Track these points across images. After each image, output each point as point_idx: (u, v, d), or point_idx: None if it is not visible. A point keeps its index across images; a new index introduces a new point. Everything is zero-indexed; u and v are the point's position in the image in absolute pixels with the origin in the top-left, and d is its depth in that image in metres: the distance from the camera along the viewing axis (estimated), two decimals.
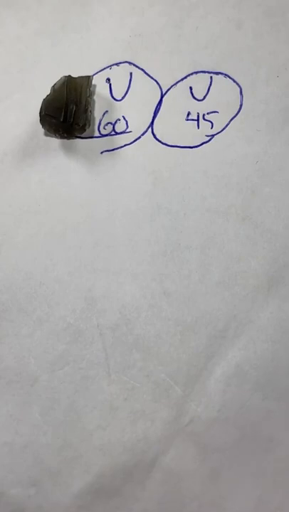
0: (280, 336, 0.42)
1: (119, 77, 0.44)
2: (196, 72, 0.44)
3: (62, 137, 0.44)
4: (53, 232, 0.43)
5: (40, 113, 0.42)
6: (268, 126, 0.43)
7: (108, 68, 0.44)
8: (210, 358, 0.42)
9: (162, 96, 0.44)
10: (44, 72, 0.44)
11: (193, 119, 0.44)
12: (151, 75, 0.44)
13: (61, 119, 0.42)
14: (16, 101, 0.44)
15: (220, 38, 0.44)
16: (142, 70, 0.44)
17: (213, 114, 0.44)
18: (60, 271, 0.43)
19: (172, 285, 0.43)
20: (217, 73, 0.44)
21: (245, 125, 0.44)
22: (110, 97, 0.44)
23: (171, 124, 0.44)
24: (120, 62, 0.44)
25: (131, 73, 0.44)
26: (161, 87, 0.44)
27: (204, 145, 0.44)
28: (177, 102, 0.44)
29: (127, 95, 0.44)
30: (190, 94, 0.44)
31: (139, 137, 0.44)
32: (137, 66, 0.44)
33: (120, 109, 0.44)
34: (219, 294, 0.43)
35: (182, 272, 0.43)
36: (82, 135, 0.44)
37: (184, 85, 0.44)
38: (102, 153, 0.44)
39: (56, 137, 0.44)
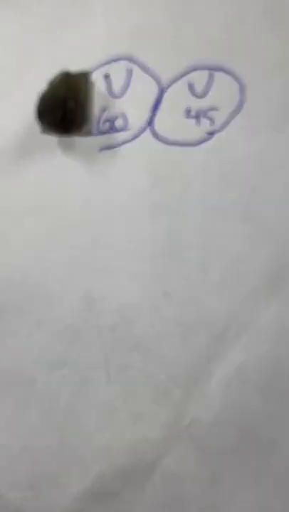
0: (281, 337, 0.42)
1: (118, 73, 0.44)
2: (196, 69, 0.44)
3: (60, 135, 0.43)
4: (52, 231, 0.43)
5: (38, 110, 0.42)
6: (268, 124, 0.43)
7: (107, 65, 0.44)
8: (210, 359, 0.42)
9: (162, 93, 0.44)
10: (43, 70, 0.43)
11: (193, 117, 0.44)
12: (150, 72, 0.44)
13: (59, 117, 0.42)
14: (15, 99, 0.44)
15: (220, 36, 0.43)
16: (142, 66, 0.44)
17: (213, 111, 0.43)
18: (60, 271, 0.43)
19: (172, 285, 0.43)
20: (217, 70, 0.44)
21: (245, 123, 0.43)
22: (109, 94, 0.44)
23: (171, 122, 0.44)
24: (119, 59, 0.44)
25: (130, 70, 0.44)
26: (161, 83, 0.44)
27: (204, 143, 0.43)
28: (177, 99, 0.44)
29: (126, 92, 0.44)
30: (190, 91, 0.44)
31: (139, 135, 0.44)
32: (136, 63, 0.44)
33: (119, 106, 0.44)
34: (219, 294, 0.43)
35: (182, 272, 0.43)
36: (81, 133, 0.43)
37: (183, 82, 0.44)
38: (100, 150, 0.44)
39: (54, 135, 0.43)
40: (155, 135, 0.44)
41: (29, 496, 0.43)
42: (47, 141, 0.44)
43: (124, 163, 0.44)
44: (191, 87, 0.44)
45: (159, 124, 0.44)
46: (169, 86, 0.44)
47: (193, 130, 0.43)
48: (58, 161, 0.44)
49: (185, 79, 0.44)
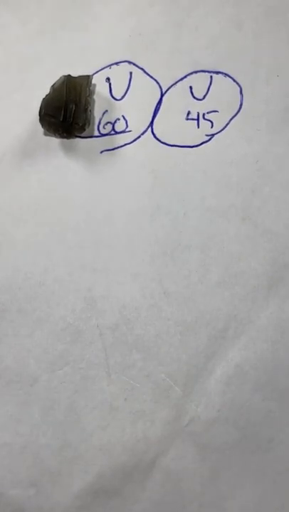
0: (280, 336, 0.42)
1: (118, 76, 0.44)
2: (196, 72, 0.44)
3: (61, 137, 0.44)
4: (52, 232, 0.43)
5: (39, 112, 0.42)
6: (267, 125, 0.43)
7: (108, 67, 0.44)
8: (210, 358, 0.42)
9: (162, 95, 0.44)
10: (44, 72, 0.44)
11: (193, 119, 0.44)
12: (151, 75, 0.44)
13: (61, 119, 0.42)
14: (16, 100, 0.44)
15: (220, 38, 0.44)
16: (142, 69, 0.44)
17: (213, 113, 0.44)
18: (60, 271, 0.43)
19: (172, 285, 0.43)
20: (217, 73, 0.44)
21: (245, 125, 0.44)
22: (110, 97, 0.44)
23: (171, 124, 0.44)
24: (120, 62, 0.44)
25: (131, 72, 0.44)
26: (161, 86, 0.44)
27: (204, 144, 0.44)
28: (177, 101, 0.44)
29: (127, 95, 0.44)
30: (190, 94, 0.44)
31: (139, 137, 0.44)
32: (136, 65, 0.44)
33: (120, 109, 0.44)
34: (219, 294, 0.43)
35: (182, 272, 0.43)
36: (82, 134, 0.44)
37: (183, 85, 0.44)
38: (101, 152, 0.44)
39: (56, 137, 0.44)
40: (155, 137, 0.44)
41: (30, 494, 0.42)
42: (49, 143, 0.44)
43: (125, 164, 0.44)
44: (191, 89, 0.44)
45: (159, 126, 0.44)
46: (169, 88, 0.44)
47: (193, 132, 0.44)
48: (60, 163, 0.44)
49: (185, 81, 0.44)
